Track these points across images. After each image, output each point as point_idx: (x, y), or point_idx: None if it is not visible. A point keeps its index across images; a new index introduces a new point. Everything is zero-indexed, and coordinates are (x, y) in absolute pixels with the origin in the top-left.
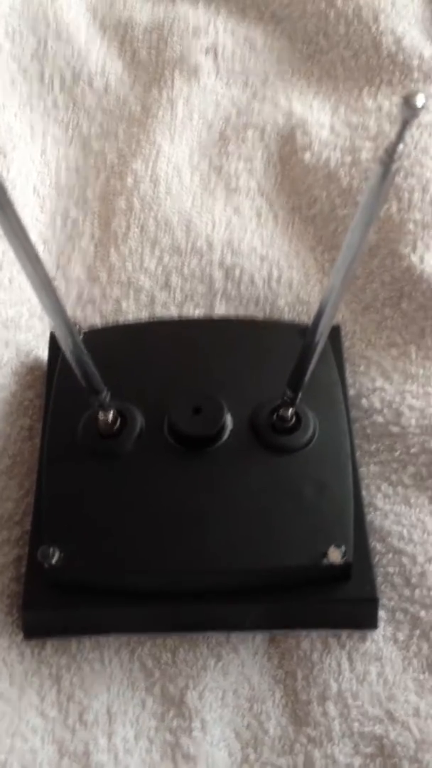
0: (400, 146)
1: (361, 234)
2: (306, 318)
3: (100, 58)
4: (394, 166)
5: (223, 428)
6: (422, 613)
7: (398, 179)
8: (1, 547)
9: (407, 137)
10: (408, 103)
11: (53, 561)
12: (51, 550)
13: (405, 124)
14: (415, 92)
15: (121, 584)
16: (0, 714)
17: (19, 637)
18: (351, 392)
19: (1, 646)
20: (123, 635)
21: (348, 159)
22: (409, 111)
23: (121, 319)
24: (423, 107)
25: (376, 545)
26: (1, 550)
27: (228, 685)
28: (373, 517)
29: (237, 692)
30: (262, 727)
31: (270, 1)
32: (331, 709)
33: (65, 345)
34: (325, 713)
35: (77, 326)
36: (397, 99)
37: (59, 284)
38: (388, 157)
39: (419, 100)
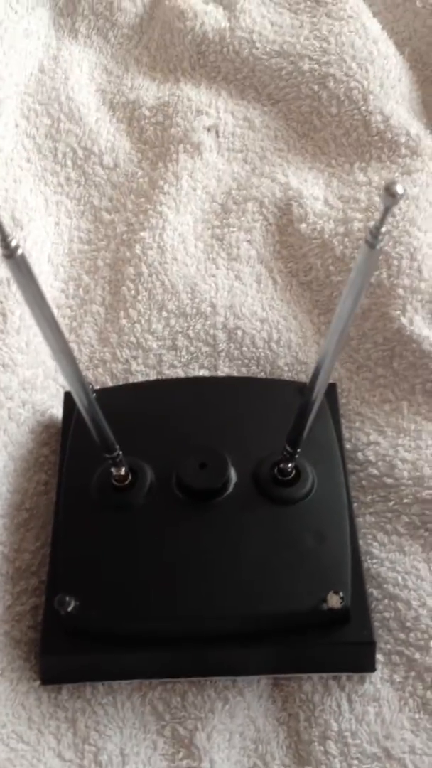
0: (384, 228)
1: (351, 304)
2: (304, 377)
3: (109, 135)
4: (379, 246)
5: (227, 482)
6: (417, 656)
7: (388, 248)
8: (19, 596)
9: (392, 213)
10: (389, 191)
11: (69, 609)
12: (67, 598)
13: (387, 210)
14: (395, 182)
15: (133, 631)
16: (20, 756)
17: (36, 683)
18: (347, 446)
19: (19, 691)
20: (135, 680)
21: (341, 229)
22: (390, 198)
23: (131, 379)
24: (402, 195)
25: (373, 591)
26: (19, 600)
27: (235, 727)
28: (369, 565)
29: (243, 734)
30: (268, 767)
31: (267, 83)
32: (332, 748)
33: (80, 404)
34: (326, 752)
35: (90, 386)
36: (386, 175)
37: (72, 347)
38: (373, 238)
39: (399, 189)
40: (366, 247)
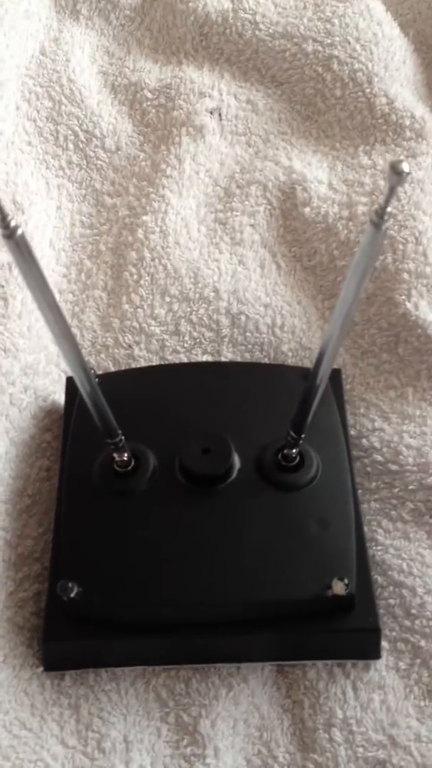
0: (389, 208)
1: (355, 287)
2: (308, 363)
3: (111, 118)
4: (384, 226)
5: (231, 467)
6: (422, 643)
7: (393, 232)
8: (21, 582)
9: (397, 197)
10: (395, 169)
11: (72, 595)
12: (69, 584)
13: (392, 189)
14: (401, 160)
15: (136, 617)
16: (23, 742)
17: (39, 669)
18: (352, 433)
19: (22, 677)
20: (138, 667)
21: (345, 213)
22: (396, 177)
23: (133, 364)
24: (408, 174)
25: (378, 578)
26: (22, 586)
27: (239, 714)
28: (374, 552)
29: (247, 721)
30: (272, 755)
31: (270, 65)
32: (337, 735)
33: (83, 389)
34: (331, 740)
35: (92, 371)
36: (390, 158)
37: (74, 332)
38: (379, 218)
39: (404, 167)
40: (371, 228)
